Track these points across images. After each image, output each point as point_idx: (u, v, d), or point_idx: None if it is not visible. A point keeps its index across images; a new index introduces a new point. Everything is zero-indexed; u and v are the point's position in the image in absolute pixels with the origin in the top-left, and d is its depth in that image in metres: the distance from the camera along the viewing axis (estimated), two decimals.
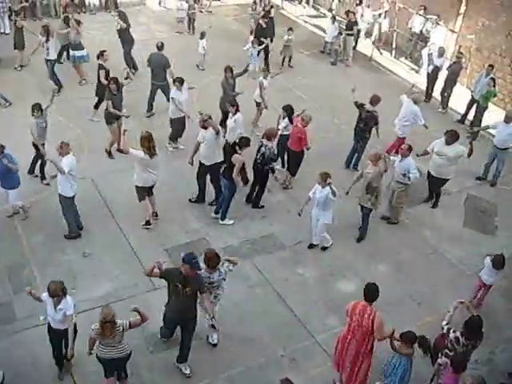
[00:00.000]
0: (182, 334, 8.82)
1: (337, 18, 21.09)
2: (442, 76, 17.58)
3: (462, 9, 19.01)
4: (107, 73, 14.56)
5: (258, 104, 15.25)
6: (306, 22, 24.30)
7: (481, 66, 18.31)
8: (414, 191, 12.73)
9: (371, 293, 8.17)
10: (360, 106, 13.75)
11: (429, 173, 12.83)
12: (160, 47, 15.56)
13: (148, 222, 11.90)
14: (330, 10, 24.26)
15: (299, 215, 11.34)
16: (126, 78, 15.26)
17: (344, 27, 20.47)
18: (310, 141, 12.98)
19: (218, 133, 11.84)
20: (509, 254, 10.47)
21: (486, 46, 18.43)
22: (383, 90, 15.52)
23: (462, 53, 17.83)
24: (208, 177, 12.50)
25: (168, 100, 14.45)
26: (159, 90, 15.51)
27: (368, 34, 22.24)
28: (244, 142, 11.60)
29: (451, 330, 8.33)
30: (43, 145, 12.23)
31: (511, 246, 11.30)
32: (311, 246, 11.70)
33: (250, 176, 12.82)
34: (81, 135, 14.56)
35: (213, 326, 8.84)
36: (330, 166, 13.25)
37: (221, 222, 12.16)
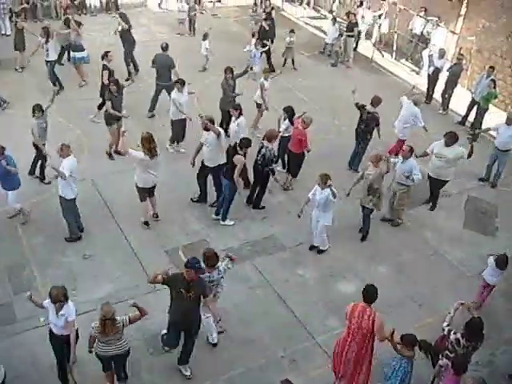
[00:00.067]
0: (185, 337, 8.79)
1: (337, 19, 21.11)
2: (443, 77, 17.58)
3: (463, 10, 19.04)
4: (111, 73, 14.60)
5: (258, 105, 15.25)
6: (306, 23, 24.32)
7: (481, 67, 18.32)
8: (415, 193, 12.71)
9: (370, 294, 8.16)
10: (361, 108, 13.76)
11: (428, 174, 12.82)
12: (165, 48, 15.59)
13: (146, 223, 11.92)
14: (331, 11, 24.29)
15: (299, 217, 11.34)
16: (127, 80, 15.31)
17: (345, 29, 20.47)
18: (311, 142, 12.99)
19: (219, 135, 11.85)
20: (509, 255, 10.44)
21: (486, 47, 18.44)
22: (384, 92, 15.51)
23: (462, 54, 17.85)
24: (209, 178, 12.50)
25: None
26: (164, 91, 15.49)
27: (368, 36, 22.25)
28: (245, 143, 11.60)
29: (452, 332, 8.32)
30: (44, 145, 12.26)
31: None
32: (312, 248, 11.69)
33: (251, 177, 12.81)
34: (81, 136, 14.57)
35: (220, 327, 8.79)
36: (330, 167, 13.24)
37: (222, 222, 12.16)
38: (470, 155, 12.39)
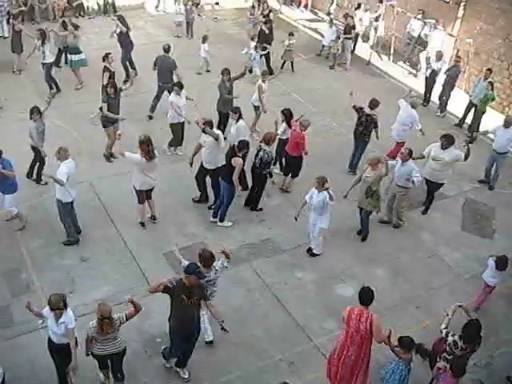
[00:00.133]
0: (187, 342, 8.73)
1: (334, 21, 21.12)
2: (440, 80, 17.60)
3: (460, 13, 19.06)
4: (111, 75, 14.61)
5: (256, 108, 15.23)
6: (304, 26, 24.32)
7: (479, 69, 18.37)
8: (412, 195, 12.72)
9: (366, 297, 8.16)
10: (359, 110, 13.77)
11: (424, 177, 12.78)
12: (167, 49, 15.62)
13: (143, 224, 11.97)
14: (329, 13, 24.28)
15: (296, 219, 11.35)
16: (125, 82, 15.30)
17: (342, 31, 20.48)
18: (309, 144, 12.97)
19: (217, 139, 11.85)
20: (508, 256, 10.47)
21: (484, 49, 18.46)
22: (381, 94, 15.55)
23: (460, 57, 17.84)
24: (208, 178, 12.54)
25: None
26: (166, 93, 15.48)
27: (365, 38, 22.26)
28: (241, 145, 11.60)
29: (449, 334, 8.33)
30: (42, 147, 12.26)
31: (509, 249, 11.28)
32: (309, 250, 11.69)
33: (250, 180, 12.81)
34: (79, 139, 14.55)
35: (224, 329, 8.72)
36: (329, 169, 13.34)
37: (219, 223, 12.17)
38: (466, 157, 12.40)
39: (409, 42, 20.95)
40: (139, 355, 9.26)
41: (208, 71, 18.64)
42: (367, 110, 13.63)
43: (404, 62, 21.20)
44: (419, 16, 20.15)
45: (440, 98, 17.72)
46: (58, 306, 7.71)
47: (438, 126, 16.38)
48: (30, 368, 8.88)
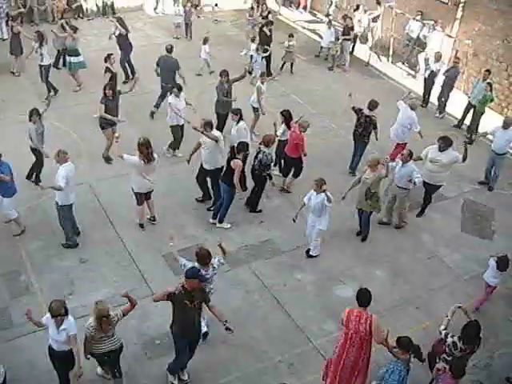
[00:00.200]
0: (190, 345, 8.73)
1: (333, 22, 21.13)
2: (439, 81, 17.60)
3: (459, 14, 19.07)
4: (113, 76, 14.62)
5: (254, 109, 15.21)
6: (303, 27, 24.34)
7: (477, 70, 18.37)
8: (412, 195, 12.71)
9: (364, 298, 8.19)
10: (358, 111, 13.77)
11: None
12: (170, 50, 15.65)
13: (141, 225, 12.00)
14: (328, 15, 24.30)
15: (294, 221, 11.35)
16: (125, 83, 15.29)
17: (341, 32, 20.49)
18: (308, 146, 12.97)
19: (217, 141, 11.86)
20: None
21: (482, 50, 18.48)
22: (380, 95, 15.54)
23: (458, 58, 17.87)
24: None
25: None
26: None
27: (363, 39, 22.27)
28: (241, 147, 11.60)
29: (449, 335, 8.33)
30: (42, 148, 12.26)
31: (509, 250, 11.28)
32: (308, 252, 11.69)
33: (249, 182, 12.79)
34: (78, 141, 14.55)
35: (228, 329, 8.68)
36: (328, 171, 13.35)
37: (218, 225, 12.16)
38: (464, 159, 12.38)
39: (407, 44, 20.95)
40: (139, 357, 9.26)
41: (212, 72, 18.55)
42: (366, 112, 13.63)
43: (403, 63, 21.20)
44: (418, 17, 20.13)
45: (439, 99, 17.73)
46: (60, 312, 7.66)
47: (437, 127, 16.40)
48: (30, 369, 8.87)
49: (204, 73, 18.85)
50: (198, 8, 24.04)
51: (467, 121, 16.75)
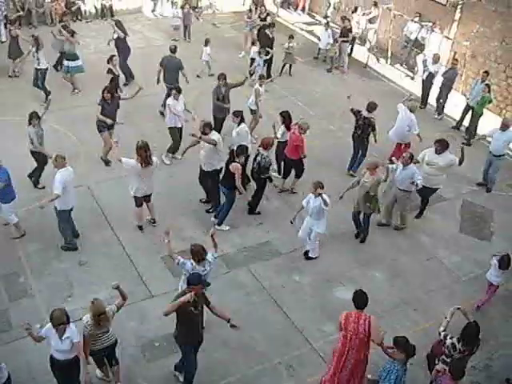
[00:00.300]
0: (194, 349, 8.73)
1: (330, 24, 21.16)
2: (437, 82, 17.62)
3: (457, 16, 19.11)
4: (114, 78, 14.62)
5: (252, 111, 15.19)
6: (301, 29, 24.35)
7: (476, 72, 18.39)
8: (413, 197, 12.72)
9: (360, 301, 8.23)
10: (356, 113, 13.77)
11: None
12: (173, 50, 15.71)
13: (140, 227, 12.01)
14: (326, 17, 24.33)
15: (291, 223, 11.34)
16: (125, 85, 15.30)
17: (338, 34, 20.49)
18: (307, 147, 12.97)
19: (215, 145, 11.87)
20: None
21: (480, 52, 18.50)
22: (379, 97, 15.57)
23: (456, 59, 17.89)
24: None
25: None
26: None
27: (361, 41, 22.29)
28: (240, 151, 11.60)
29: (448, 337, 8.33)
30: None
31: (507, 251, 11.28)
32: (306, 253, 11.69)
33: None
34: (77, 143, 14.54)
35: (233, 326, 8.58)
36: (326, 172, 13.37)
37: (217, 227, 12.13)
38: (461, 162, 12.37)
39: (406, 45, 20.97)
40: (138, 360, 9.25)
41: (212, 75, 18.53)
42: (365, 113, 13.64)
43: (401, 65, 21.24)
44: (416, 19, 20.16)
45: (437, 100, 17.76)
46: (62, 320, 7.59)
47: (436, 128, 16.41)
48: (28, 372, 8.86)
49: (204, 75, 18.83)
50: (197, 10, 24.05)
51: (466, 122, 16.77)
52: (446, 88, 17.28)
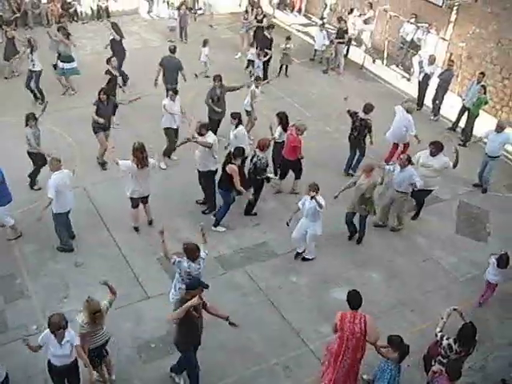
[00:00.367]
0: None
1: (325, 25, 21.18)
2: (434, 84, 17.65)
3: (453, 17, 19.12)
4: (112, 79, 14.69)
5: (248, 113, 15.17)
6: (298, 30, 24.36)
7: (472, 73, 18.42)
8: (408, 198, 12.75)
9: (355, 301, 8.24)
10: (353, 115, 13.77)
11: None
12: (173, 50, 15.74)
13: (136, 229, 12.01)
14: (322, 18, 24.35)
15: (287, 225, 11.33)
16: (121, 87, 15.28)
17: (334, 35, 20.49)
18: (303, 149, 12.96)
19: (210, 148, 11.87)
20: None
21: (476, 53, 18.53)
22: (375, 98, 15.59)
23: (452, 60, 17.90)
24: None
25: None
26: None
27: (357, 42, 22.31)
28: (237, 153, 11.60)
29: (444, 337, 8.34)
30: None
31: (505, 251, 11.32)
32: (298, 255, 11.68)
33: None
34: (73, 144, 14.52)
35: (232, 324, 8.55)
36: (323, 174, 13.39)
37: (213, 228, 12.14)
38: (455, 165, 12.37)
39: (402, 46, 21.00)
40: (134, 361, 9.24)
41: (207, 77, 18.52)
42: (361, 115, 13.64)
43: (397, 66, 21.25)
44: (412, 20, 20.19)
45: (433, 101, 17.78)
46: (61, 325, 7.56)
47: (432, 129, 16.42)
48: (24, 373, 8.83)
49: (202, 75, 18.80)
50: (193, 11, 24.05)
51: (462, 123, 16.79)
52: (442, 89, 17.30)
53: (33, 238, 11.49)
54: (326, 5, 24.83)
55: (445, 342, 8.30)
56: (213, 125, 14.19)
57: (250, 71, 15.75)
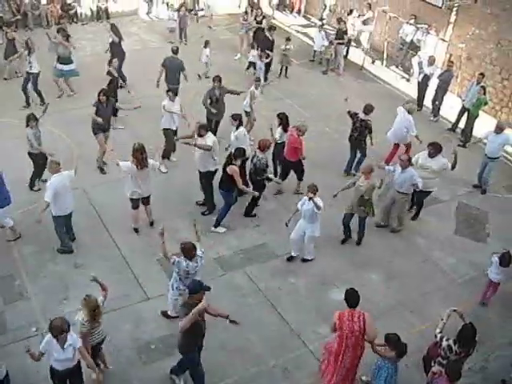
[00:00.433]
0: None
1: (324, 26, 21.18)
2: (433, 84, 17.65)
3: (453, 18, 19.12)
4: (113, 81, 14.75)
5: (247, 114, 15.16)
6: (297, 31, 24.36)
7: (471, 74, 18.43)
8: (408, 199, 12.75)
9: (353, 299, 8.25)
10: (353, 115, 13.77)
11: None
12: (175, 51, 15.79)
13: (136, 230, 12.02)
14: (321, 19, 24.36)
15: (286, 225, 11.33)
16: (121, 87, 15.31)
17: (334, 36, 20.50)
18: (304, 150, 12.97)
19: (209, 150, 11.88)
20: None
21: (476, 54, 18.53)
22: (374, 99, 15.59)
23: (452, 61, 17.92)
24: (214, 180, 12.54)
25: None
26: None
27: (357, 43, 22.32)
28: (237, 154, 11.61)
29: (444, 338, 8.34)
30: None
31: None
32: (291, 259, 11.66)
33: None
34: (72, 146, 14.51)
35: (233, 322, 8.56)
36: (322, 174, 13.37)
37: (213, 229, 12.15)
38: (453, 167, 12.36)
39: (401, 47, 21.01)
40: (134, 362, 9.23)
41: (207, 77, 18.51)
42: (362, 116, 13.64)
43: (397, 67, 21.26)
44: (411, 21, 20.20)
45: (433, 102, 17.78)
46: (63, 328, 7.52)
47: (431, 130, 16.41)
48: (24, 375, 8.80)
49: (202, 76, 18.80)
50: (193, 12, 24.04)
51: (461, 124, 16.80)
52: (442, 90, 17.30)
53: (32, 240, 11.49)
54: (326, 6, 24.85)
55: (444, 343, 8.30)
56: (210, 125, 14.22)
57: (254, 73, 15.72)
